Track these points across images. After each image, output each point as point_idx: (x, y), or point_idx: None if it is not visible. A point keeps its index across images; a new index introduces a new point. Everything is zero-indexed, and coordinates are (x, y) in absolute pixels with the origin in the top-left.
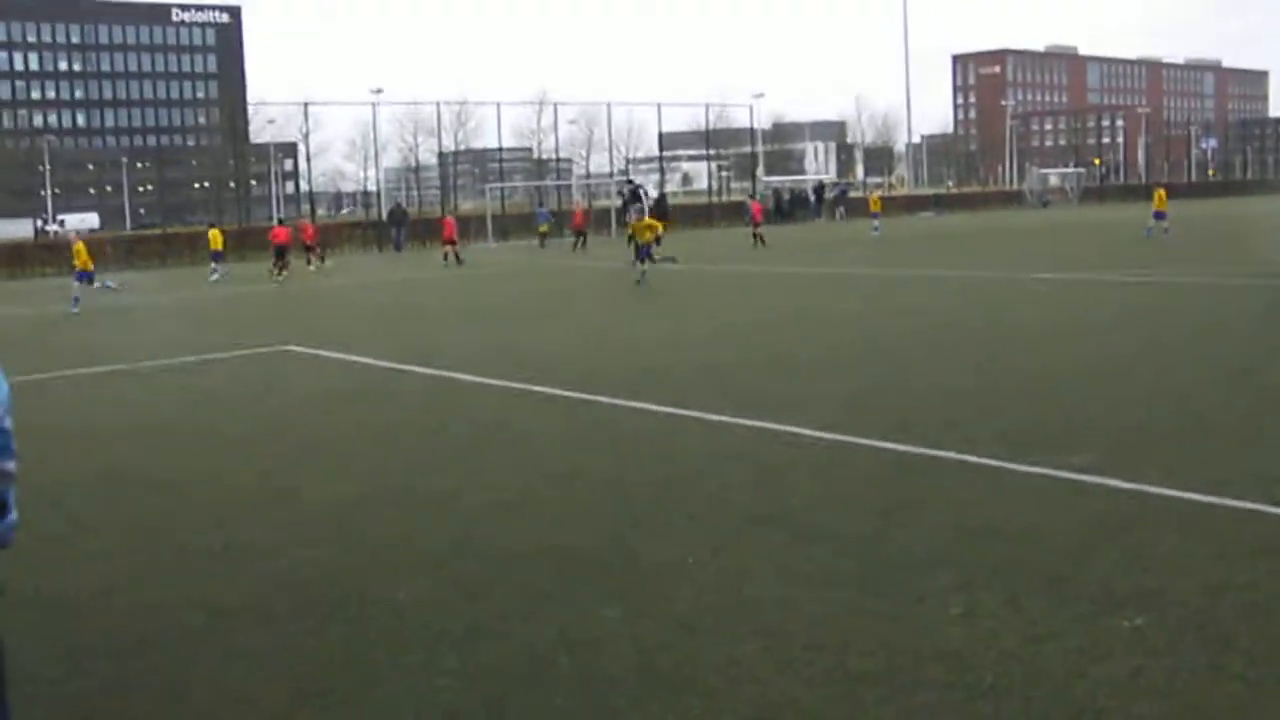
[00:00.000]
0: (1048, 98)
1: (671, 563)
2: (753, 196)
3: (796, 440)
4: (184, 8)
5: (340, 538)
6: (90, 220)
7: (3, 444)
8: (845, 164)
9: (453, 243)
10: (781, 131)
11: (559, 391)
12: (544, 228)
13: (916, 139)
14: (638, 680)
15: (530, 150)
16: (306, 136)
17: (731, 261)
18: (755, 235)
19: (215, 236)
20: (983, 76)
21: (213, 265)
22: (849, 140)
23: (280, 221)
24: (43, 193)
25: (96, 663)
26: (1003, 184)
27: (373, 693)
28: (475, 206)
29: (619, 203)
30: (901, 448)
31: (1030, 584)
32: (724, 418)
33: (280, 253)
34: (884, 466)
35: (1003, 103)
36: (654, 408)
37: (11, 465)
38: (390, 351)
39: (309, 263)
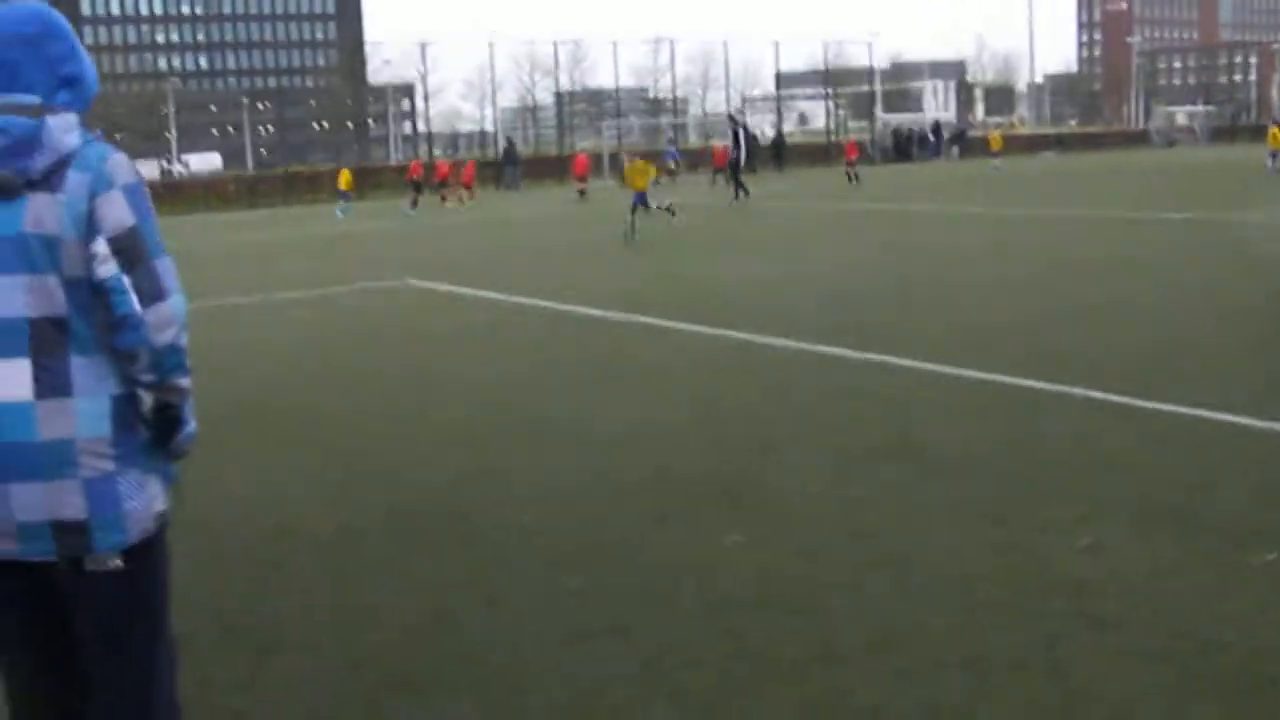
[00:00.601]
0: (1177, 34)
1: (795, 491)
2: (846, 135)
3: (918, 374)
4: None
5: (465, 463)
6: (213, 160)
7: (177, 361)
8: (965, 104)
9: (583, 179)
10: (900, 71)
11: (682, 325)
12: (673, 166)
13: (1039, 78)
14: (758, 603)
15: (646, 90)
16: (424, 77)
17: (845, 199)
18: (849, 173)
19: (345, 176)
20: (1108, 12)
21: (341, 203)
22: (969, 79)
23: (419, 158)
24: (167, 134)
25: (235, 578)
26: (1128, 124)
27: (497, 610)
28: (591, 146)
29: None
30: (1026, 382)
31: (1157, 518)
32: (846, 351)
33: (416, 186)
34: (1008, 401)
35: (1129, 39)
36: (777, 341)
37: (185, 381)
38: (513, 286)
39: (443, 199)
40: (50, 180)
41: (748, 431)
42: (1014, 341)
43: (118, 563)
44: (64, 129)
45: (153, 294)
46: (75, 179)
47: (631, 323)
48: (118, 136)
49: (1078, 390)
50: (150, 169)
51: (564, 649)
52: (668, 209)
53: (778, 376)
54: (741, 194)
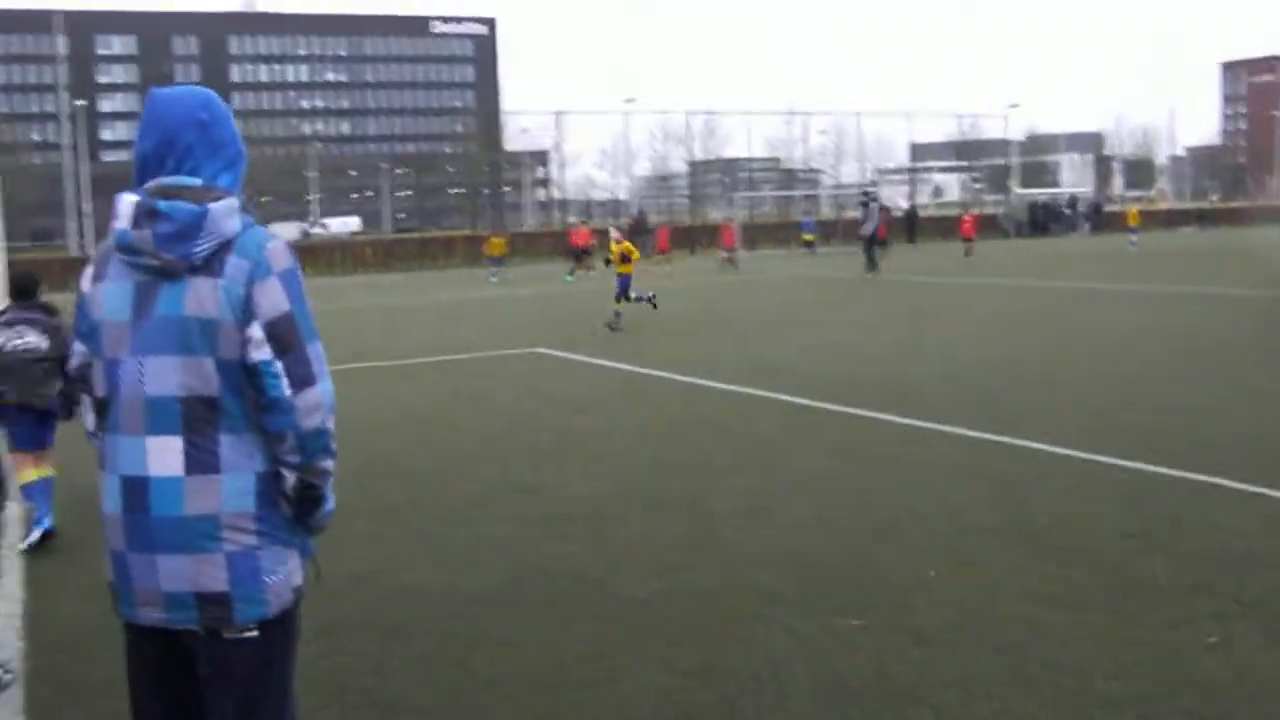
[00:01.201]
0: None
1: (913, 575)
2: (968, 209)
3: (1040, 456)
4: (444, 20)
5: (587, 535)
6: (352, 223)
7: (322, 445)
8: (1103, 177)
9: (731, 249)
10: (1036, 143)
11: (804, 400)
12: (809, 237)
13: (1179, 151)
14: (873, 690)
15: (778, 160)
16: (559, 145)
17: (972, 274)
18: (966, 248)
19: (497, 243)
20: (1254, 85)
21: (492, 268)
22: (1106, 152)
23: (583, 223)
24: (308, 198)
25: (353, 642)
26: (1273, 198)
27: (611, 686)
28: (722, 216)
29: (858, 213)
30: (1151, 468)
31: None
32: (967, 431)
33: (578, 255)
34: (1132, 486)
35: (1275, 112)
36: (897, 419)
37: (329, 463)
38: (643, 356)
39: (584, 268)
40: (211, 264)
41: (865, 511)
42: (1141, 426)
43: (254, 633)
44: (226, 214)
45: (303, 379)
46: (235, 264)
47: (755, 397)
48: (262, 199)
49: (1209, 479)
50: (290, 230)
51: None
52: (650, 300)
53: (898, 454)
54: (873, 269)
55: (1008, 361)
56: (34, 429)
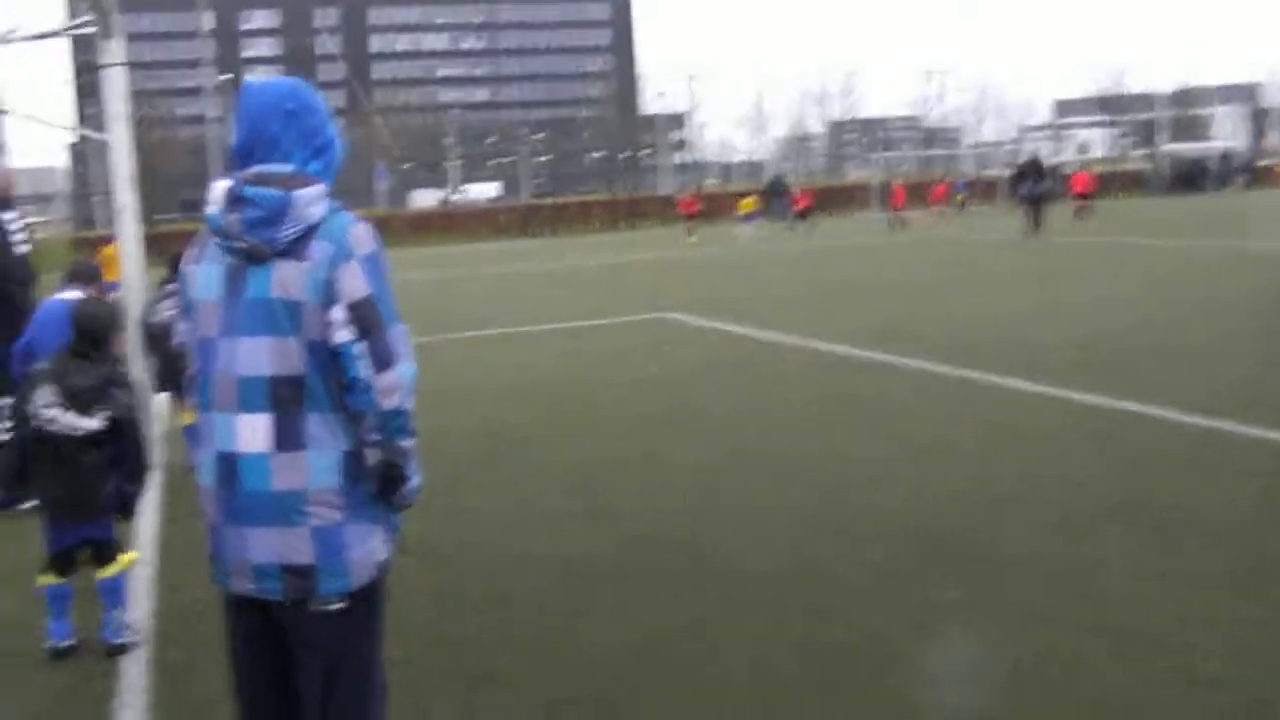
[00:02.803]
0: None
1: (1025, 548)
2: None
3: (1169, 426)
4: None
5: (698, 504)
6: (491, 190)
7: (402, 424)
8: (1260, 130)
9: (900, 208)
10: (1187, 96)
11: (929, 365)
12: (961, 198)
13: None
14: (970, 666)
15: (919, 119)
16: (696, 108)
17: (1116, 233)
18: (1078, 208)
19: (748, 202)
20: None
21: (749, 225)
22: (1264, 104)
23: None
24: (447, 164)
25: (462, 609)
26: None
27: (713, 658)
28: (862, 176)
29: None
30: None
31: None
32: (1094, 397)
33: (690, 218)
34: (1265, 459)
35: None
36: (1023, 385)
37: (409, 442)
38: (769, 321)
39: (689, 233)
40: (296, 249)
41: (981, 481)
42: (1271, 393)
43: (340, 605)
44: (311, 200)
45: (383, 360)
46: (319, 248)
47: (879, 362)
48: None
49: None
50: (430, 198)
51: (770, 704)
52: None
53: (1021, 422)
54: (1038, 231)
55: (1142, 326)
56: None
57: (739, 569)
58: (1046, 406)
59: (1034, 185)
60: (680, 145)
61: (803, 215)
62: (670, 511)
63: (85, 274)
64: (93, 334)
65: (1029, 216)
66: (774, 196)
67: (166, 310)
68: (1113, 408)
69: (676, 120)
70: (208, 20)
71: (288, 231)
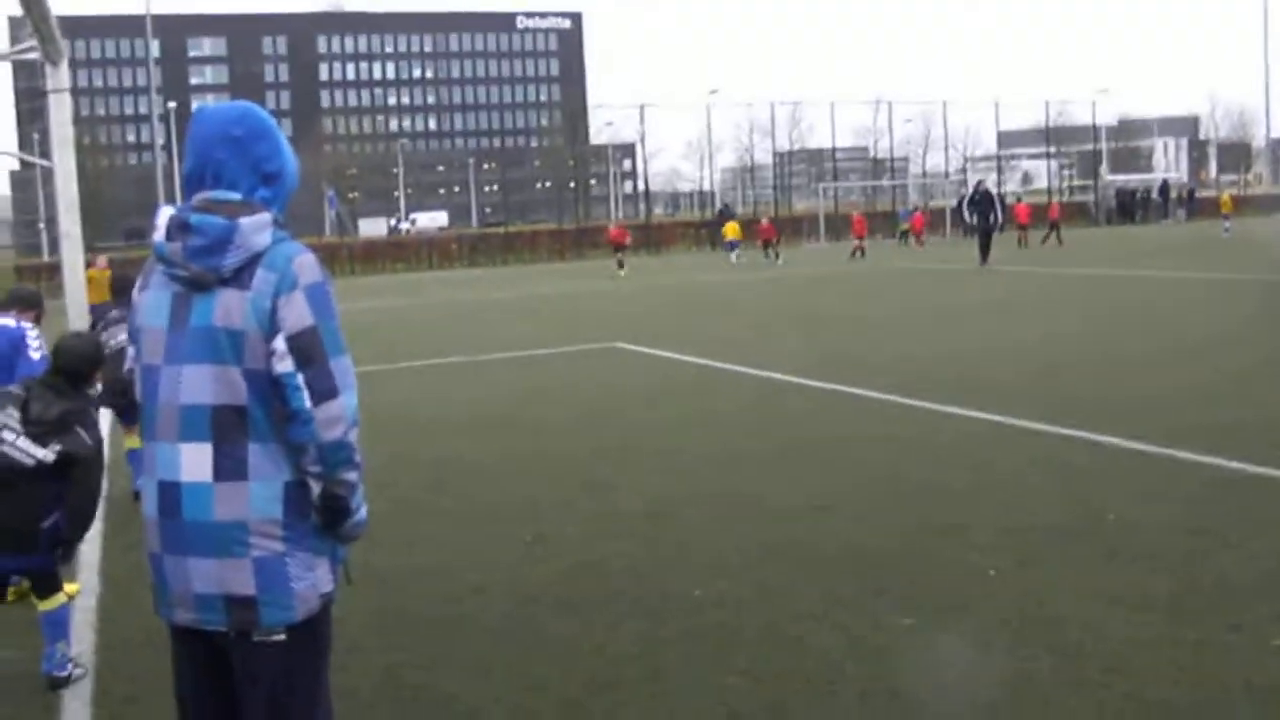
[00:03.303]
0: None
1: (974, 573)
2: (1054, 198)
3: (1115, 452)
4: (529, 15)
5: (648, 533)
6: (440, 218)
7: (343, 457)
8: (1197, 161)
9: (861, 239)
10: (1128, 128)
11: (877, 395)
12: (905, 226)
13: (1277, 134)
14: (921, 692)
15: (866, 149)
16: (643, 138)
17: (1058, 264)
18: (1020, 237)
19: (733, 227)
20: None
21: (734, 251)
22: (1201, 136)
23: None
24: (396, 193)
25: (410, 638)
26: None
27: (661, 687)
28: (809, 206)
29: (954, 203)
30: (1228, 463)
31: None
32: (1041, 425)
33: (619, 249)
34: (1206, 484)
35: None
36: (968, 413)
37: (352, 475)
38: (720, 351)
39: (619, 265)
40: (240, 277)
41: (934, 508)
42: (1222, 420)
43: (281, 636)
44: (256, 228)
45: (324, 392)
46: (262, 277)
47: (831, 391)
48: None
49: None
50: (378, 227)
51: None
52: None
53: (970, 450)
54: (986, 261)
55: (1089, 355)
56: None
57: (688, 597)
58: (995, 434)
59: (986, 216)
60: (629, 175)
61: (767, 245)
62: (619, 539)
63: (23, 300)
64: (73, 369)
65: (981, 247)
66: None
67: (119, 336)
68: (1059, 434)
69: (625, 150)
70: (155, 47)
71: (232, 260)
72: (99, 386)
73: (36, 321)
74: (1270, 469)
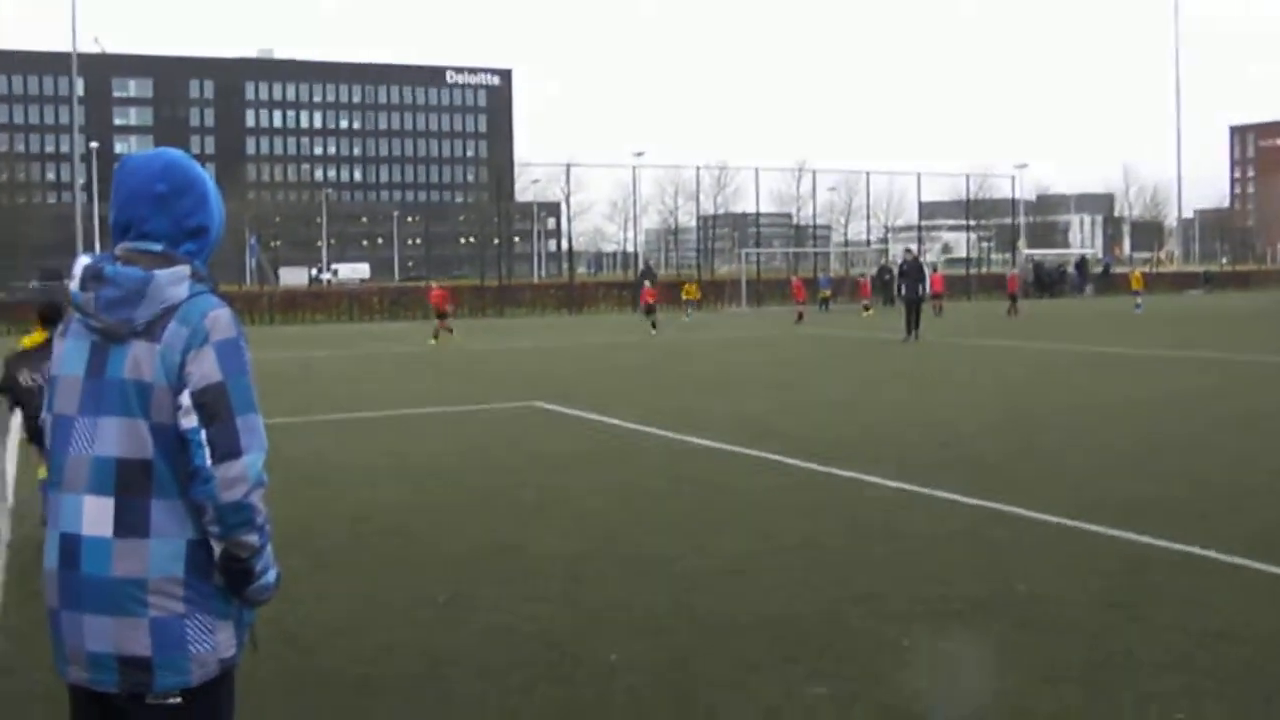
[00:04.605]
0: None
1: (887, 643)
2: (1013, 268)
3: (1030, 524)
4: (458, 70)
5: (561, 596)
6: (362, 270)
7: (242, 519)
8: (1112, 237)
9: (802, 303)
10: (1045, 203)
11: (794, 461)
12: (825, 293)
13: (1188, 213)
14: None
15: (789, 216)
16: (568, 197)
17: (983, 335)
18: (1011, 308)
19: (691, 288)
20: (1262, 149)
21: (689, 310)
22: (1116, 213)
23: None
24: (319, 244)
25: (318, 700)
26: None
27: None
28: (731, 270)
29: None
30: (1139, 538)
31: (1267, 696)
32: (955, 495)
33: (441, 316)
34: (1117, 557)
35: None
36: (886, 482)
37: (253, 538)
38: (640, 413)
39: (435, 333)
40: (152, 329)
41: (848, 577)
42: (1136, 494)
43: (177, 700)
44: (172, 281)
45: (226, 452)
46: (174, 330)
47: (746, 456)
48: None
49: (1198, 550)
50: (300, 276)
51: None
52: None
53: (886, 518)
54: (915, 333)
55: (1003, 426)
56: None
57: (602, 661)
58: (909, 503)
59: (914, 287)
60: (553, 233)
61: (697, 306)
62: (534, 601)
63: None
64: None
65: (909, 318)
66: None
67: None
68: (973, 505)
69: (551, 208)
70: (79, 85)
71: (145, 312)
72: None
73: None
74: (1179, 544)
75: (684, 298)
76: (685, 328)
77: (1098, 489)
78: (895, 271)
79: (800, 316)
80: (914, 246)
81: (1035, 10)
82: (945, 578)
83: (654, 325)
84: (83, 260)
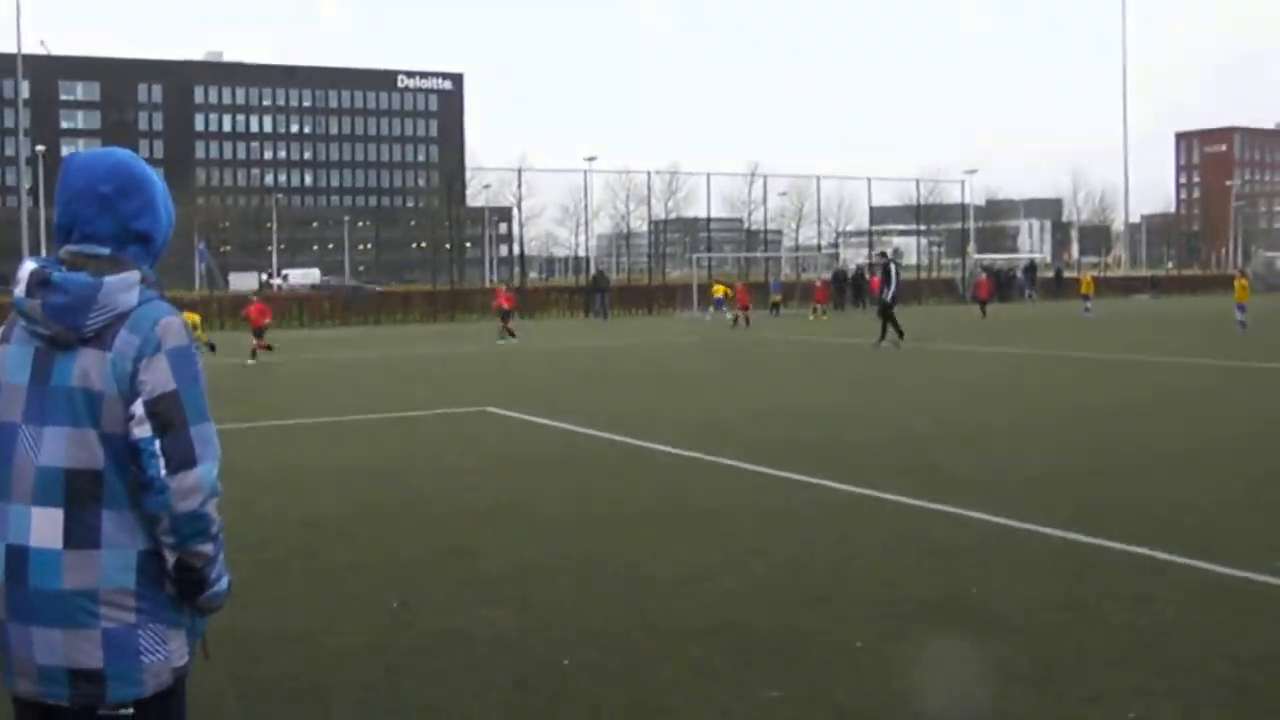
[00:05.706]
0: (1278, 177)
1: (840, 646)
2: (979, 273)
3: (980, 526)
4: (409, 74)
5: (516, 600)
6: (312, 275)
7: (198, 529)
8: (1061, 242)
9: (745, 308)
10: (995, 208)
11: (747, 465)
12: (776, 298)
13: (1135, 218)
14: None
15: (740, 220)
16: (520, 202)
17: (926, 340)
18: (983, 309)
19: (720, 287)
20: (1208, 155)
21: (713, 309)
22: (1065, 218)
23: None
24: (269, 248)
25: (272, 705)
26: (1226, 267)
27: None
28: (683, 275)
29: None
30: (1086, 539)
31: (1213, 693)
32: (906, 499)
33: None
34: (1070, 558)
35: (1228, 182)
36: (839, 485)
37: (207, 548)
38: (593, 417)
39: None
40: (102, 337)
41: (801, 581)
42: (1086, 495)
43: (129, 711)
44: (123, 288)
45: (181, 461)
46: (125, 339)
47: (701, 461)
48: (224, 249)
49: (1147, 550)
50: (249, 281)
51: None
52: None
53: (837, 522)
54: (891, 335)
55: (954, 428)
56: None
57: (555, 666)
58: (860, 506)
59: (886, 290)
60: (505, 238)
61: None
62: (487, 606)
63: None
64: None
65: (884, 323)
66: (595, 292)
67: None
68: (923, 508)
69: (502, 212)
70: (25, 88)
71: (94, 320)
72: None
73: None
74: (1128, 545)
75: (714, 295)
76: (631, 332)
77: (1047, 490)
78: (849, 276)
79: (736, 320)
80: (888, 250)
81: (985, 16)
82: (898, 580)
83: (511, 333)
84: (28, 264)
